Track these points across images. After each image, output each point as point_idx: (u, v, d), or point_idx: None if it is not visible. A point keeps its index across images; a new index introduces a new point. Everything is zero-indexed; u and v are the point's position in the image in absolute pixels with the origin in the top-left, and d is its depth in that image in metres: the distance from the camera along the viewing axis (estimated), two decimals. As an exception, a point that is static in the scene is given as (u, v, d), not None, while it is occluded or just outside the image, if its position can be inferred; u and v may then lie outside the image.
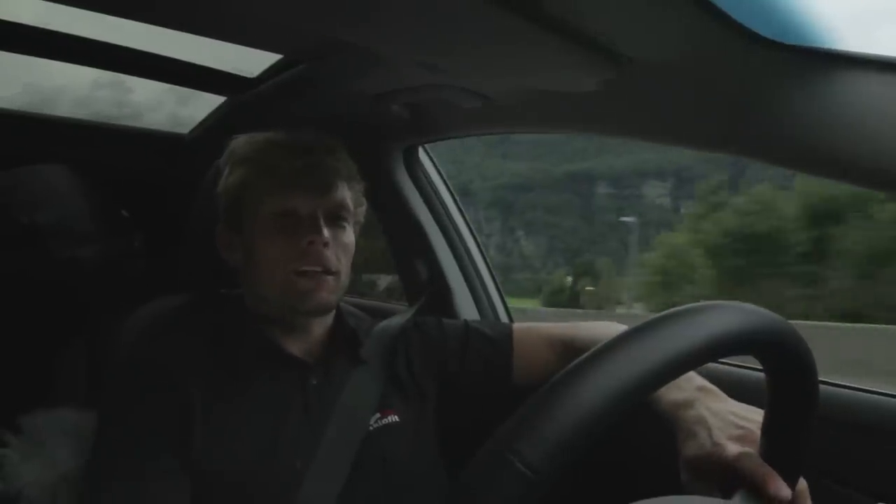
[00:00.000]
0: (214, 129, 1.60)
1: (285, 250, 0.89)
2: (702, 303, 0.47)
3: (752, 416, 0.68)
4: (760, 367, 0.52)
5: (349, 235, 0.95)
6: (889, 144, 0.60)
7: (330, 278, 0.90)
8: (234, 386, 0.88)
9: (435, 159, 1.47)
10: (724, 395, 0.76)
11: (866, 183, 0.66)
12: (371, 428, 0.92)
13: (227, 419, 0.86)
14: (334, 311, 0.99)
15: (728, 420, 0.69)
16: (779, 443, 0.57)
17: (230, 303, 1.00)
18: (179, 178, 1.39)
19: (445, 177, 1.48)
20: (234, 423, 0.86)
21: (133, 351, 0.98)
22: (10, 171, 1.44)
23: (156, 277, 1.34)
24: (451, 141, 1.39)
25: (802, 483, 0.59)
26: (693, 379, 0.78)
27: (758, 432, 0.62)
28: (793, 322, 0.49)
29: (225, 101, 1.52)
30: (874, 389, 0.89)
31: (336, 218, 0.93)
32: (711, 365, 0.78)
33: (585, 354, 0.43)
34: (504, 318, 1.45)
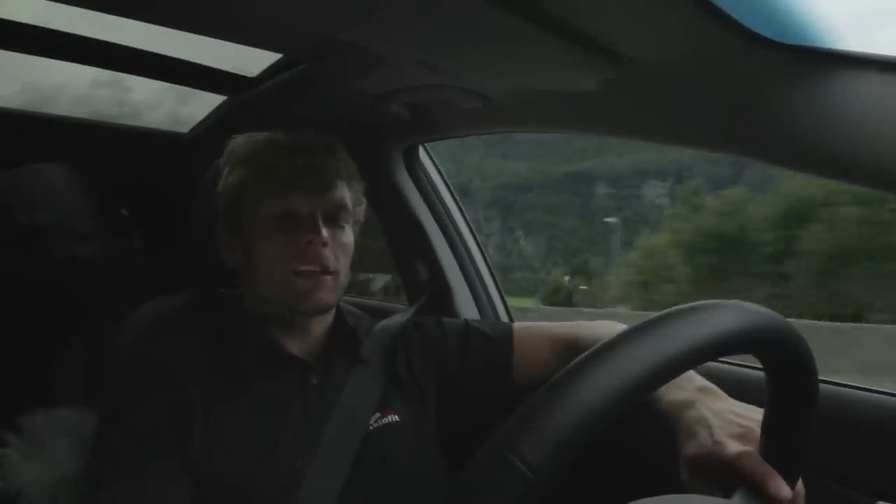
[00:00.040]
0: (214, 129, 1.60)
1: (284, 250, 0.89)
2: (702, 302, 0.47)
3: (753, 415, 0.68)
4: (760, 366, 0.52)
5: (348, 235, 0.95)
6: (889, 144, 0.60)
7: (328, 278, 0.90)
8: (234, 386, 0.88)
9: (435, 159, 1.47)
10: (724, 395, 0.76)
11: (866, 183, 0.66)
12: (371, 427, 0.92)
13: (227, 419, 0.86)
14: (334, 311, 0.99)
15: (728, 419, 0.69)
16: (779, 441, 0.57)
17: (230, 303, 1.00)
18: (179, 177, 1.39)
19: (446, 176, 1.48)
20: (234, 423, 0.86)
21: (133, 351, 0.98)
22: (9, 170, 1.44)
23: (155, 277, 1.34)
24: (451, 140, 1.39)
25: (798, 485, 0.60)
26: (693, 379, 0.78)
27: (758, 431, 0.61)
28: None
29: (225, 101, 1.52)
30: (874, 388, 0.89)
31: (335, 218, 0.93)
32: (711, 364, 0.78)
33: (585, 353, 0.43)
34: (504, 317, 1.45)
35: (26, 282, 1.41)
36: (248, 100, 1.39)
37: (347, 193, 0.95)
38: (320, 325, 0.97)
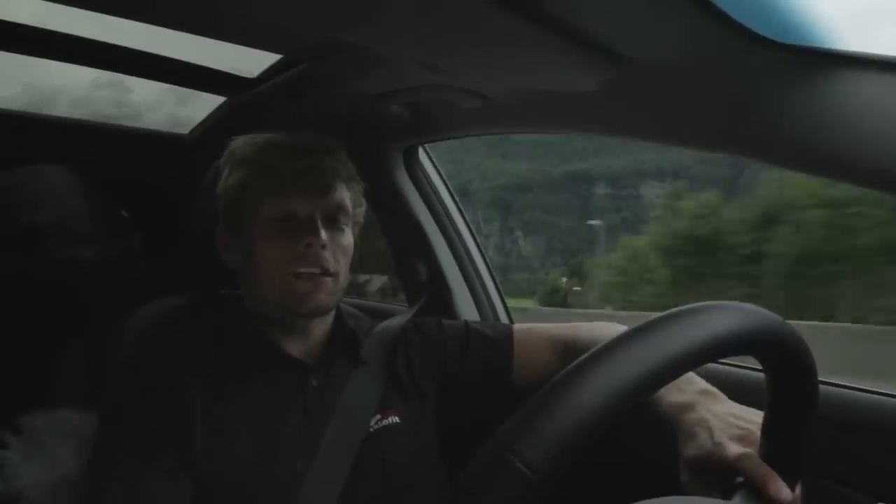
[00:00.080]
0: (214, 130, 1.60)
1: (284, 252, 0.89)
2: (702, 303, 0.47)
3: (753, 418, 0.68)
4: (760, 368, 0.52)
5: (347, 237, 0.95)
6: (889, 144, 0.60)
7: (328, 280, 0.90)
8: (234, 387, 0.88)
9: (435, 159, 1.47)
10: (724, 398, 0.76)
11: (866, 183, 0.66)
12: (371, 429, 0.92)
13: (227, 420, 0.86)
14: (334, 312, 0.99)
15: (729, 421, 0.69)
16: (779, 443, 0.57)
17: (230, 304, 1.00)
18: (179, 178, 1.39)
19: (445, 177, 1.48)
20: (234, 424, 0.86)
21: (133, 351, 0.98)
22: (9, 171, 1.43)
23: (156, 278, 1.34)
24: (451, 141, 1.39)
25: (797, 489, 0.60)
26: (694, 382, 0.78)
27: (758, 433, 0.62)
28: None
29: (225, 102, 1.52)
30: (874, 389, 0.89)
31: (334, 220, 0.93)
32: (711, 365, 0.78)
33: (585, 355, 0.43)
34: (504, 318, 1.45)
35: (26, 282, 1.41)
36: (247, 100, 1.39)
37: (347, 195, 0.95)
38: (320, 327, 0.97)
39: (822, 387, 0.54)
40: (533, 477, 0.38)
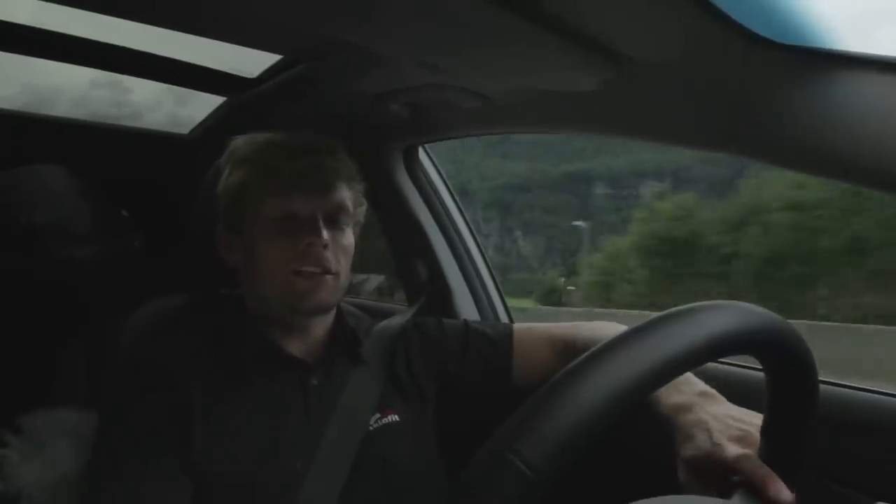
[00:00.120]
0: (214, 130, 1.60)
1: (285, 251, 0.89)
2: (702, 302, 0.47)
3: (752, 420, 0.69)
4: (760, 367, 0.52)
5: (348, 237, 0.95)
6: (890, 144, 0.60)
7: (329, 278, 0.90)
8: (234, 386, 0.88)
9: (435, 159, 1.47)
10: (723, 399, 0.76)
11: (867, 183, 0.66)
12: (371, 428, 0.92)
13: (227, 420, 0.86)
14: (334, 312, 0.99)
15: (727, 422, 0.69)
16: (779, 443, 0.57)
17: (230, 303, 1.00)
18: (179, 178, 1.39)
19: (445, 177, 1.48)
20: (234, 424, 0.86)
21: (133, 351, 0.98)
22: (8, 171, 1.44)
23: (155, 278, 1.34)
24: (451, 141, 1.39)
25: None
26: (694, 383, 0.78)
27: (757, 435, 0.62)
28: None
29: (225, 102, 1.52)
30: (874, 389, 0.89)
31: (335, 219, 0.93)
32: (711, 365, 0.78)
33: (585, 354, 0.43)
34: (504, 318, 1.45)
35: (26, 282, 1.41)
36: (247, 100, 1.39)
37: (348, 195, 0.95)
38: (321, 326, 0.97)
39: (821, 386, 0.54)
40: (533, 476, 0.38)
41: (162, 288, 1.12)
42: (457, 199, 1.48)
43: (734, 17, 0.59)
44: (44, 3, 0.88)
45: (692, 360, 0.44)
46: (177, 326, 1.00)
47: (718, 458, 0.65)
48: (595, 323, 1.03)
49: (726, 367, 1.03)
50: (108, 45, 1.25)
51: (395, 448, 0.93)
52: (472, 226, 1.48)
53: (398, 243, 1.50)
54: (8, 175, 1.43)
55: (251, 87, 1.36)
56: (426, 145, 1.43)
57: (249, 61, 1.29)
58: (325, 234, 0.89)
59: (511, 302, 1.54)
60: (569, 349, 0.98)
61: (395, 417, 0.95)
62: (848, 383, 0.91)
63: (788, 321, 0.50)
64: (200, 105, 1.62)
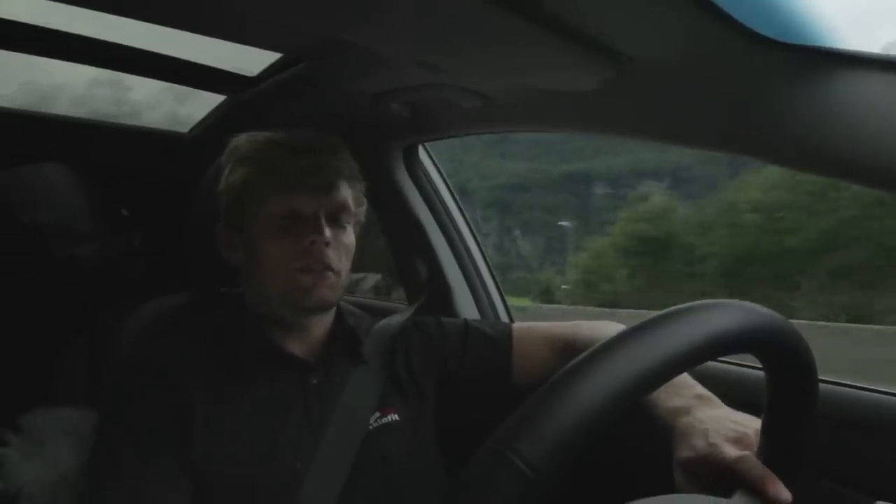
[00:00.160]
0: (214, 128, 1.60)
1: (287, 249, 0.89)
2: (701, 301, 0.47)
3: (749, 423, 0.69)
4: (760, 366, 0.52)
5: (350, 236, 0.95)
6: (890, 144, 0.60)
7: (331, 275, 0.90)
8: (235, 386, 0.88)
9: (435, 158, 1.47)
10: (720, 403, 0.76)
11: (867, 182, 0.66)
12: (371, 427, 0.92)
13: (227, 420, 0.85)
14: (334, 311, 0.99)
15: (724, 424, 0.69)
16: (778, 441, 0.57)
17: (230, 302, 1.00)
18: (179, 176, 1.39)
19: (445, 175, 1.48)
20: (234, 424, 0.86)
21: (133, 350, 0.98)
22: (9, 170, 1.44)
23: (156, 276, 1.34)
24: (450, 140, 1.39)
25: None
26: (691, 387, 0.79)
27: (754, 437, 0.63)
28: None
29: (225, 100, 1.52)
30: (874, 388, 0.89)
31: (337, 218, 0.93)
32: (711, 364, 0.78)
33: (585, 353, 0.43)
34: (504, 317, 1.45)
35: (27, 281, 1.41)
36: (247, 99, 1.39)
37: (350, 194, 0.95)
38: (320, 325, 0.97)
39: (821, 385, 0.54)
40: (532, 475, 0.38)
41: (162, 286, 1.12)
42: (457, 197, 1.48)
43: (735, 16, 0.59)
44: (45, 1, 0.88)
45: (692, 358, 0.44)
46: (177, 325, 1.00)
47: (715, 459, 0.65)
48: (595, 322, 1.03)
49: (726, 366, 1.03)
50: (108, 43, 1.25)
51: (395, 447, 0.93)
52: (471, 225, 1.48)
53: (398, 242, 1.50)
54: (9, 174, 1.43)
55: (251, 85, 1.36)
56: (426, 144, 1.43)
57: (249, 60, 1.29)
58: (328, 232, 0.89)
59: (511, 301, 1.54)
60: (568, 348, 0.98)
61: (395, 416, 0.95)
62: (848, 382, 0.91)
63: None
64: (200, 103, 1.62)
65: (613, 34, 0.69)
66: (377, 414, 0.94)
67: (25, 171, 1.45)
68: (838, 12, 0.61)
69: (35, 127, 1.63)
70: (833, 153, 0.65)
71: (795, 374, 0.52)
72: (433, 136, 1.37)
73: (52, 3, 0.88)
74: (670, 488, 0.70)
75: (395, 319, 1.07)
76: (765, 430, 0.58)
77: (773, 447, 0.57)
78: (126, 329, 1.05)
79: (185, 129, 1.78)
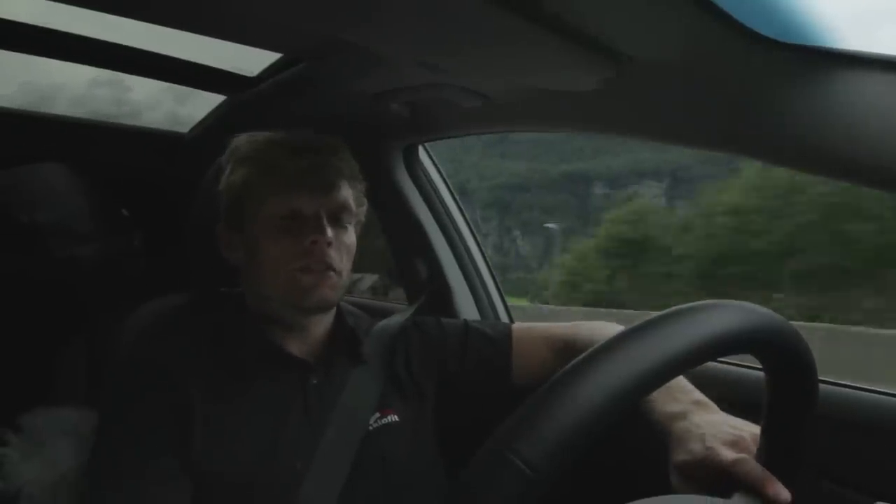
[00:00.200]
0: (214, 128, 1.60)
1: (288, 249, 0.89)
2: (701, 302, 0.47)
3: (746, 427, 0.69)
4: (760, 366, 0.52)
5: (350, 236, 0.95)
6: (890, 144, 0.60)
7: (332, 275, 0.90)
8: (235, 386, 0.88)
9: (435, 158, 1.47)
10: (717, 409, 0.77)
11: (867, 182, 0.66)
12: (371, 427, 0.92)
13: (227, 419, 0.85)
14: (334, 311, 0.99)
15: (721, 428, 0.70)
16: (778, 442, 0.57)
17: (230, 302, 1.00)
18: (179, 176, 1.39)
19: (445, 176, 1.48)
20: (234, 424, 0.86)
21: (133, 350, 0.98)
22: (9, 170, 1.44)
23: (155, 276, 1.34)
24: (450, 140, 1.39)
25: None
26: (689, 392, 0.79)
27: (750, 441, 0.63)
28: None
29: (225, 100, 1.52)
30: (874, 388, 0.89)
31: (338, 218, 0.93)
32: (710, 364, 0.78)
33: (584, 354, 0.43)
34: (504, 317, 1.45)
35: (26, 281, 1.41)
36: (247, 99, 1.39)
37: (350, 194, 0.95)
38: (320, 326, 0.97)
39: (821, 386, 0.54)
40: (532, 475, 0.38)
41: (162, 287, 1.12)
42: (457, 198, 1.48)
43: (735, 16, 0.59)
44: (44, 1, 0.88)
45: (692, 359, 0.44)
46: (177, 325, 1.00)
47: (712, 462, 0.65)
48: (595, 323, 1.03)
49: (726, 366, 1.03)
50: (108, 43, 1.25)
51: (395, 447, 0.93)
52: (471, 225, 1.48)
53: (398, 242, 1.50)
54: (8, 174, 1.43)
55: (251, 85, 1.36)
56: (426, 144, 1.43)
57: (249, 60, 1.30)
58: (329, 231, 0.89)
59: (511, 301, 1.54)
60: (568, 349, 0.98)
61: (395, 417, 0.95)
62: (847, 383, 0.91)
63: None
64: (200, 103, 1.62)
65: (613, 34, 0.69)
66: (377, 414, 0.94)
67: (25, 171, 1.45)
68: (838, 12, 0.61)
69: (35, 127, 1.63)
70: (833, 153, 0.65)
71: (795, 374, 0.52)
72: (433, 136, 1.37)
73: (52, 3, 0.88)
74: (670, 489, 0.70)
75: (395, 320, 1.07)
76: (765, 430, 0.58)
77: (773, 448, 0.57)
78: (126, 329, 1.05)
79: (185, 129, 1.78)
